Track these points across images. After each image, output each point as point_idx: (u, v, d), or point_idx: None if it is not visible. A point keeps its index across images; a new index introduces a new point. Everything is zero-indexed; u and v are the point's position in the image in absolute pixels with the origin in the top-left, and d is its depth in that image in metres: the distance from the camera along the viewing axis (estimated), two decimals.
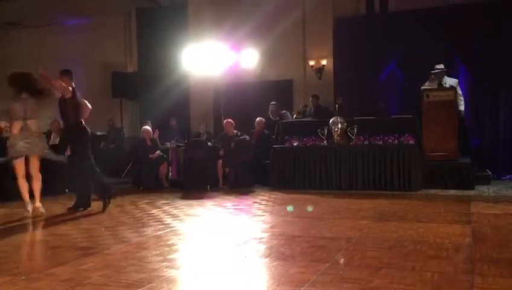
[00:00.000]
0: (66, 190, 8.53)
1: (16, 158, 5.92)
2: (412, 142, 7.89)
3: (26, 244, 4.54)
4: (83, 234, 4.88)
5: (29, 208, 6.01)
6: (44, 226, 5.42)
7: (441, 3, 10.37)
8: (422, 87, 8.72)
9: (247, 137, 9.19)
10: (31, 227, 5.41)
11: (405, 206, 6.29)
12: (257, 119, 9.66)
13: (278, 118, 9.98)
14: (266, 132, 9.60)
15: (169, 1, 12.89)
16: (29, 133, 5.91)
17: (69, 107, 6.33)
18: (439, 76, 8.82)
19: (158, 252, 4.04)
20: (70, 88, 6.35)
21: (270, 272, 3.43)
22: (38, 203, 6.06)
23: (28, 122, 5.93)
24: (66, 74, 6.56)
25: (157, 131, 10.33)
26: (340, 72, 11.22)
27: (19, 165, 5.98)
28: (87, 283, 3.21)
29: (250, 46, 10.57)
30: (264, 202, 6.93)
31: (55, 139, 9.44)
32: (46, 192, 6.49)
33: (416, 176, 7.72)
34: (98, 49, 13.72)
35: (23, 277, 3.36)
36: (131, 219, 5.73)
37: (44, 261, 3.83)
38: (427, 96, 8.25)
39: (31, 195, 6.08)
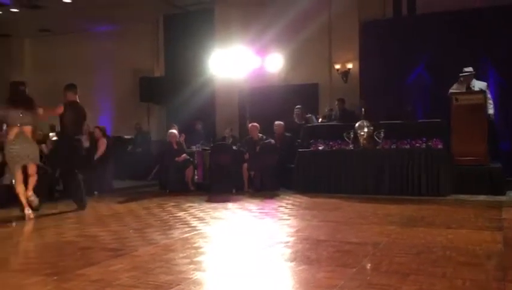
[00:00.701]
0: (95, 192, 8.71)
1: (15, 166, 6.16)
2: (440, 146, 7.76)
3: (56, 245, 4.64)
4: (111, 236, 4.97)
5: (27, 211, 6.17)
6: (74, 228, 5.52)
7: (469, 5, 10.19)
8: (450, 91, 8.57)
9: (272, 141, 9.19)
10: (60, 228, 5.52)
11: (433, 211, 6.18)
12: (276, 123, 9.64)
13: (303, 122, 9.95)
14: (288, 134, 9.59)
15: (196, 6, 13.02)
16: (25, 139, 6.13)
17: (66, 120, 6.83)
18: (468, 79, 8.65)
19: (185, 254, 4.08)
20: (62, 105, 6.82)
21: (296, 277, 3.42)
22: (30, 192, 6.28)
23: (24, 128, 6.14)
24: (67, 89, 7.03)
25: (183, 135, 10.43)
26: (366, 75, 11.14)
27: (18, 173, 6.20)
28: (116, 284, 3.26)
29: (275, 50, 10.59)
30: (289, 206, 6.92)
31: (84, 143, 9.61)
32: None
33: (445, 180, 7.58)
34: (127, 55, 14.00)
35: (55, 277, 3.44)
36: (159, 221, 5.80)
37: (75, 261, 3.91)
38: (456, 99, 8.10)
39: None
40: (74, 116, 6.87)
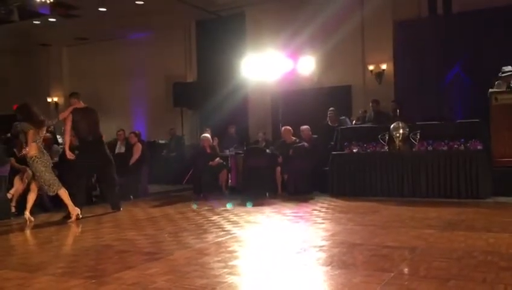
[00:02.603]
0: (131, 197, 8.86)
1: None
2: (479, 147, 7.52)
3: (94, 248, 4.74)
4: (147, 240, 5.04)
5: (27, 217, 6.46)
6: (111, 232, 5.63)
7: (507, 2, 9.88)
8: (490, 90, 8.32)
9: (305, 144, 9.14)
10: (98, 232, 5.63)
11: (473, 215, 6.00)
12: (302, 127, 9.56)
13: (336, 125, 9.85)
14: (315, 136, 9.52)
15: (227, 11, 13.11)
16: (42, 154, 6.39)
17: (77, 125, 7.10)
18: (508, 78, 8.35)
19: (219, 258, 4.09)
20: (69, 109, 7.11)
21: (333, 281, 3.37)
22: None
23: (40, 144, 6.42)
24: (70, 97, 7.41)
25: (216, 139, 10.50)
26: (400, 76, 10.96)
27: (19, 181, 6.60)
28: (152, 288, 3.30)
29: (307, 53, 10.53)
30: (323, 210, 6.85)
31: (120, 148, 9.82)
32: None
33: (484, 183, 7.35)
34: (160, 61, 14.25)
35: (93, 281, 3.51)
36: (193, 225, 5.85)
37: (112, 265, 3.98)
38: (496, 99, 7.85)
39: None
40: (83, 121, 7.03)
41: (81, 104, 7.15)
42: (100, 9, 12.29)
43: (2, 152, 7.40)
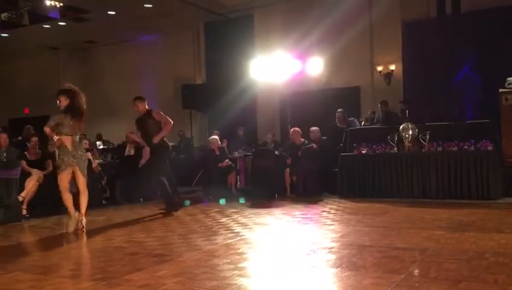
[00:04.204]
0: (141, 199, 8.90)
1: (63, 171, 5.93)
2: (490, 148, 7.47)
3: (105, 250, 4.77)
4: (157, 242, 5.06)
5: (73, 221, 5.94)
6: (121, 234, 5.66)
7: None
8: (500, 90, 8.25)
9: (314, 145, 9.13)
10: (108, 234, 5.67)
11: (484, 215, 5.95)
12: (311, 129, 9.59)
13: (345, 126, 9.83)
14: (324, 137, 9.50)
15: (236, 13, 13.14)
16: (78, 148, 5.97)
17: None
18: None
19: (229, 260, 4.10)
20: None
21: (342, 283, 3.36)
22: (82, 217, 5.98)
23: (76, 137, 6.03)
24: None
25: (225, 140, 10.52)
26: (409, 76, 10.92)
27: (65, 178, 5.93)
28: None
29: (316, 54, 10.53)
30: (332, 211, 6.84)
31: (130, 150, 9.86)
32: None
33: (495, 183, 7.29)
34: (169, 63, 14.32)
35: (104, 282, 3.53)
36: (203, 227, 5.86)
37: (122, 267, 4.00)
38: (506, 99, 7.79)
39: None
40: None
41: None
42: (109, 12, 12.38)
43: (14, 155, 7.47)
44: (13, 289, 3.47)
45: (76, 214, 5.94)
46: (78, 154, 5.96)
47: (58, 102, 6.03)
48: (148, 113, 7.30)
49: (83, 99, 6.12)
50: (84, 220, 5.94)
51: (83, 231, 5.84)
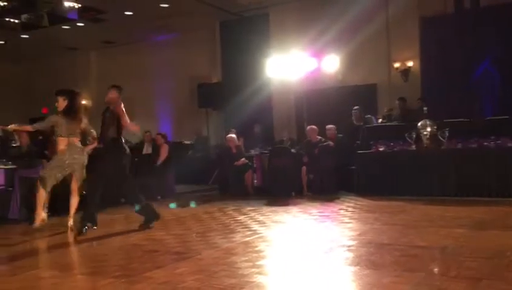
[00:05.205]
0: (158, 197, 8.96)
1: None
2: (510, 144, 7.34)
3: (124, 248, 4.82)
4: (175, 239, 5.10)
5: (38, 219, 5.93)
6: (140, 231, 5.71)
7: None
8: None
9: (330, 143, 9.09)
10: (127, 232, 5.72)
11: (505, 213, 5.88)
12: (327, 127, 9.52)
13: (361, 123, 9.77)
14: (340, 135, 9.46)
15: (251, 12, 13.14)
16: (74, 152, 5.85)
17: None
18: None
19: (247, 258, 4.11)
20: None
21: (361, 281, 3.35)
22: (70, 219, 5.91)
23: (74, 138, 5.87)
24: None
25: (241, 139, 10.53)
26: (427, 73, 10.79)
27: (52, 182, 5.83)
28: (181, 287, 3.34)
29: (332, 52, 10.47)
30: (350, 209, 6.81)
31: (147, 149, 9.96)
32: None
33: None
34: (185, 62, 14.37)
35: (123, 280, 3.57)
36: (220, 225, 5.89)
37: (142, 264, 4.04)
38: None
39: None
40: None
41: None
42: (126, 13, 12.48)
43: (34, 154, 7.57)
44: (36, 286, 3.53)
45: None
46: (73, 159, 5.80)
47: (56, 103, 5.94)
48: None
49: (83, 99, 6.06)
50: (70, 222, 5.87)
51: (72, 231, 5.75)
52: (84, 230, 5.57)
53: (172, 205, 8.05)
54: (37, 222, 5.94)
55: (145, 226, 5.85)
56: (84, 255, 4.72)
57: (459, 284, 3.11)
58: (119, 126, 5.82)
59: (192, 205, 8.13)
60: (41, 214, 5.97)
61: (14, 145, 9.47)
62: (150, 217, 5.93)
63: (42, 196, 5.86)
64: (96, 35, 14.60)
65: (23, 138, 7.58)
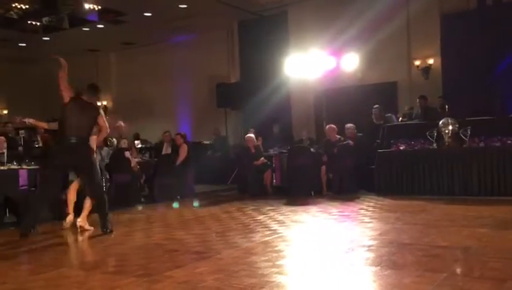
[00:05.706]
0: (178, 196, 9.03)
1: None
2: None
3: (145, 247, 4.87)
4: (195, 239, 5.12)
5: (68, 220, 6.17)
6: (161, 231, 5.76)
7: None
8: None
9: (350, 142, 9.03)
10: (148, 231, 5.78)
11: None
12: (346, 126, 9.45)
13: (381, 122, 9.67)
14: (360, 134, 9.39)
15: (270, 11, 13.12)
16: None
17: None
18: None
19: (267, 257, 4.11)
20: None
21: (383, 282, 3.32)
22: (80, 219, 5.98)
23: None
24: None
25: (260, 138, 10.53)
26: (448, 70, 10.63)
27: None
28: (202, 286, 3.36)
29: (351, 50, 10.39)
30: (370, 209, 6.75)
31: (167, 149, 10.03)
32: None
33: None
34: (203, 62, 14.44)
35: (145, 279, 3.61)
36: (240, 225, 5.90)
37: (162, 264, 4.07)
38: None
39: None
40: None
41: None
42: (145, 14, 12.60)
43: None
44: (60, 285, 3.59)
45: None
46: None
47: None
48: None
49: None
50: (79, 222, 5.96)
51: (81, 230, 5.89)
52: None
53: (196, 204, 8.19)
54: (68, 221, 6.20)
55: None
56: (107, 254, 4.78)
57: (482, 285, 3.06)
58: None
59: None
60: (71, 214, 6.24)
61: (37, 145, 9.67)
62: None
63: (73, 196, 6.21)
64: (116, 37, 14.76)
65: (45, 138, 7.74)
